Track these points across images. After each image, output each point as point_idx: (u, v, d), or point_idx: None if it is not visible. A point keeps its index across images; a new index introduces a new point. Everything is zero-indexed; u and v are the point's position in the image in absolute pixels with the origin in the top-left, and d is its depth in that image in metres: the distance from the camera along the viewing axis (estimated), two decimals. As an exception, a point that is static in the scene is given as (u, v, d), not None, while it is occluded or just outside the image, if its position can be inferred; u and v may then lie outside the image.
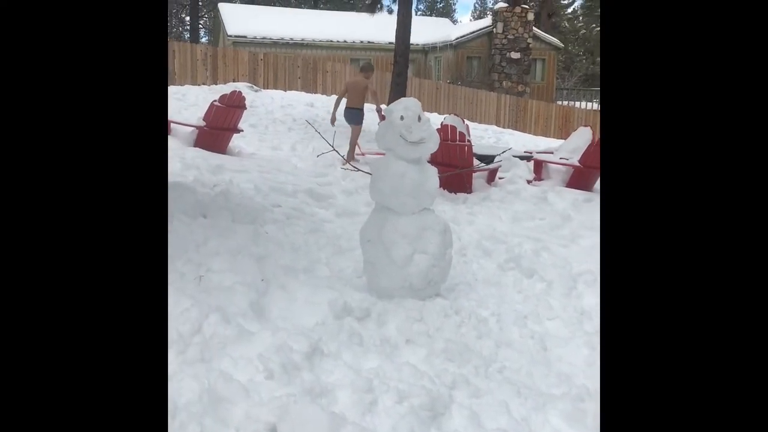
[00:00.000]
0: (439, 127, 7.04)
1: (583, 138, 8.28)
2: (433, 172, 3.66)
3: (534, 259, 4.86)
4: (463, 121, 10.76)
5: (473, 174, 7.03)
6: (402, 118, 3.48)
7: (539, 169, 8.18)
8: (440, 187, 6.88)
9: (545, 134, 19.45)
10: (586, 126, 8.94)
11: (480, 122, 18.91)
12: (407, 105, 3.51)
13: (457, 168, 6.80)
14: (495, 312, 3.77)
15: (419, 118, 3.52)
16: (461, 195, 6.87)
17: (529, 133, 19.25)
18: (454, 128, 6.99)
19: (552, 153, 9.07)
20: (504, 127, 19.14)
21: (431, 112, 17.97)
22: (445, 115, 13.00)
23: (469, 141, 7.05)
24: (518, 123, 19.68)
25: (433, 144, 3.56)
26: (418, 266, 3.55)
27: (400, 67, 11.16)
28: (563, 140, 10.70)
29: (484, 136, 15.73)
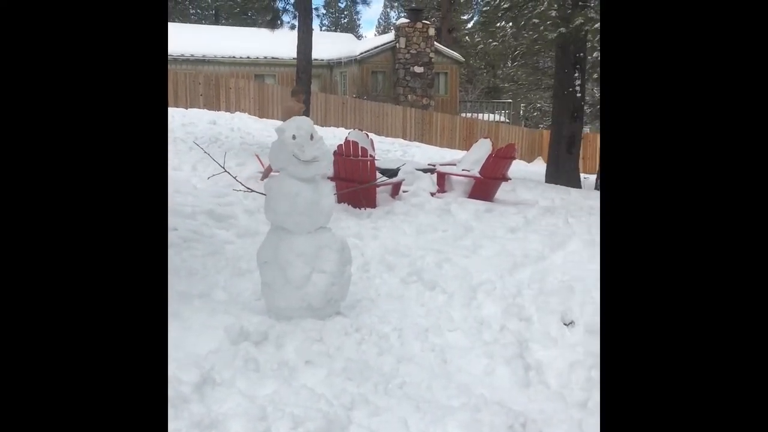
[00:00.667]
0: (342, 143, 7.03)
1: (483, 149, 8.52)
2: (328, 191, 3.64)
3: (436, 271, 4.91)
4: (367, 136, 10.84)
5: (377, 188, 7.05)
6: (294, 137, 3.45)
7: (442, 181, 8.32)
8: (343, 202, 7.01)
9: (450, 146, 19.88)
10: (486, 137, 9.21)
11: (387, 136, 19.09)
12: (299, 124, 3.48)
13: (360, 184, 6.81)
14: (397, 327, 3.78)
15: (312, 137, 3.49)
16: (365, 210, 6.88)
17: (435, 145, 19.61)
18: (356, 143, 7.01)
19: (455, 165, 9.26)
20: (410, 140, 19.41)
21: (338, 126, 17.99)
22: (349, 130, 13.06)
23: (371, 156, 7.08)
24: (424, 136, 20.01)
25: (326, 162, 3.55)
26: (316, 285, 3.52)
27: (302, 83, 11.11)
28: (467, 152, 10.95)
29: (390, 150, 15.88)
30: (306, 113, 10.85)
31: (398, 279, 4.71)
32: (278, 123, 12.46)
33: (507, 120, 26.23)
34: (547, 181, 12.01)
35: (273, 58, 22.53)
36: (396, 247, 5.50)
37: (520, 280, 4.85)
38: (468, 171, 8.27)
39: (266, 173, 8.06)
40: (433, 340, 3.76)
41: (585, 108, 12.70)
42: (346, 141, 7.02)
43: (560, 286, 4.66)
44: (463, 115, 24.76)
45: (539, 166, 16.91)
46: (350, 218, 6.58)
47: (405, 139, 19.21)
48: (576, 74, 11.21)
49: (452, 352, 3.60)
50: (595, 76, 14.88)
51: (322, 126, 18.21)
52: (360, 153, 6.96)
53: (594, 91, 16.46)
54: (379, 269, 4.91)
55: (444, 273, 4.91)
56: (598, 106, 15.82)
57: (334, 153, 7.07)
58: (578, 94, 11.34)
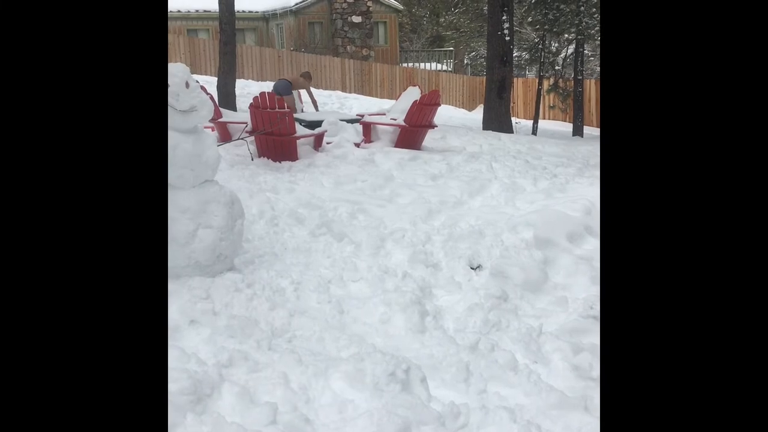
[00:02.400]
0: (257, 95, 6.80)
1: (412, 97, 8.37)
2: (211, 142, 3.49)
3: (347, 223, 4.83)
4: (291, 85, 10.55)
5: (297, 141, 6.88)
6: (168, 85, 3.25)
7: (368, 131, 8.18)
8: (263, 156, 6.82)
9: (391, 97, 19.64)
10: (414, 85, 9.05)
11: (325, 88, 18.74)
12: (173, 71, 3.28)
13: (279, 137, 6.62)
14: (296, 280, 3.70)
15: (187, 85, 3.31)
16: (285, 163, 6.72)
17: (375, 96, 19.37)
18: (272, 95, 6.79)
19: (384, 114, 9.12)
20: (349, 92, 19.11)
21: (273, 81, 17.51)
22: (274, 82, 12.71)
23: (288, 108, 6.88)
24: (363, 87, 19.73)
25: (206, 112, 3.39)
26: (203, 242, 3.40)
27: (227, 36, 10.73)
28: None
29: (327, 102, 15.61)
30: (230, 65, 10.59)
31: (307, 232, 4.63)
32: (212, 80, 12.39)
33: (449, 69, 26.07)
34: (484, 128, 11.97)
35: (206, 11, 21.72)
36: (310, 199, 5.40)
37: (432, 227, 4.81)
38: (395, 120, 8.14)
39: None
40: (334, 291, 3.70)
41: (514, 51, 12.62)
42: (262, 93, 6.79)
43: (470, 231, 4.64)
44: (404, 65, 24.48)
45: (479, 114, 16.89)
46: (268, 172, 6.41)
47: (344, 92, 18.89)
48: (504, 17, 11.07)
49: (350, 302, 3.54)
50: (529, 20, 14.77)
51: (258, 81, 17.74)
52: (278, 105, 6.74)
53: (523, 34, 16.36)
54: (289, 223, 4.80)
55: (355, 224, 4.85)
56: (532, 52, 15.75)
57: (250, 106, 6.84)
58: (507, 38, 11.21)
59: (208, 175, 3.51)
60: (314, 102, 11.01)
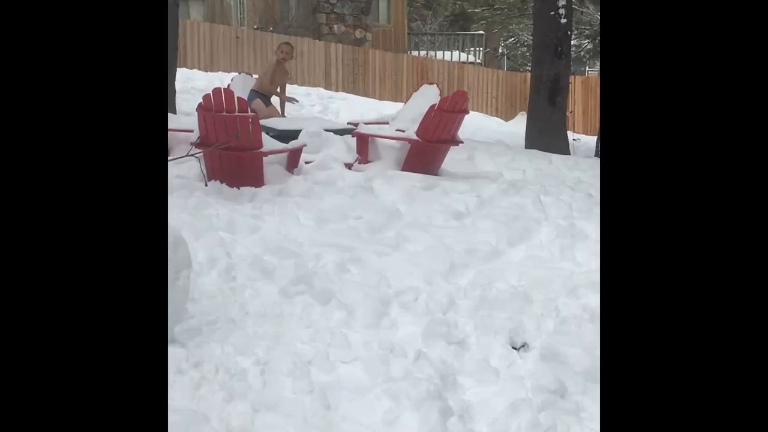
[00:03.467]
0: (208, 93, 6.91)
1: (427, 100, 8.49)
2: None
3: (335, 278, 4.89)
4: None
5: (261, 158, 6.96)
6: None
7: (364, 146, 8.31)
8: (214, 179, 6.88)
9: (395, 97, 19.91)
10: (431, 83, 9.18)
11: (302, 84, 18.96)
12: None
13: (238, 150, 6.69)
14: (262, 360, 3.74)
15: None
16: (246, 190, 6.80)
17: (372, 97, 19.60)
18: (229, 93, 6.90)
19: (387, 123, 9.22)
20: (336, 90, 19.33)
21: (229, 71, 17.72)
22: (233, 75, 12.88)
23: (252, 112, 6.98)
24: (356, 83, 19.98)
25: None
26: None
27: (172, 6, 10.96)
28: (405, 104, 10.93)
29: (304, 105, 15.80)
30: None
31: (277, 289, 4.71)
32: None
33: (478, 60, 26.42)
34: (527, 146, 12.11)
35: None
36: (282, 242, 5.48)
37: (456, 288, 4.86)
38: (403, 131, 8.25)
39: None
40: (317, 377, 3.72)
41: (573, 40, 12.84)
42: (216, 91, 6.90)
43: (511, 294, 4.67)
44: (415, 53, 24.82)
45: (520, 125, 17.03)
46: (222, 203, 6.50)
47: (328, 89, 19.12)
48: (560, -10, 11.28)
49: (340, 393, 3.56)
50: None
51: (206, 71, 17.95)
52: (237, 106, 6.85)
53: (589, 15, 16.62)
54: (252, 276, 4.88)
55: (346, 279, 4.91)
56: (596, 41, 15.99)
57: (199, 108, 6.93)
58: (562, 19, 11.39)
59: (142, 205, 3.53)
60: (283, 102, 11.11)
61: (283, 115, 10.94)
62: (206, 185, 6.78)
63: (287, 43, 11.27)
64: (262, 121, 8.13)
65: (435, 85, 8.92)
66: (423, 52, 26.04)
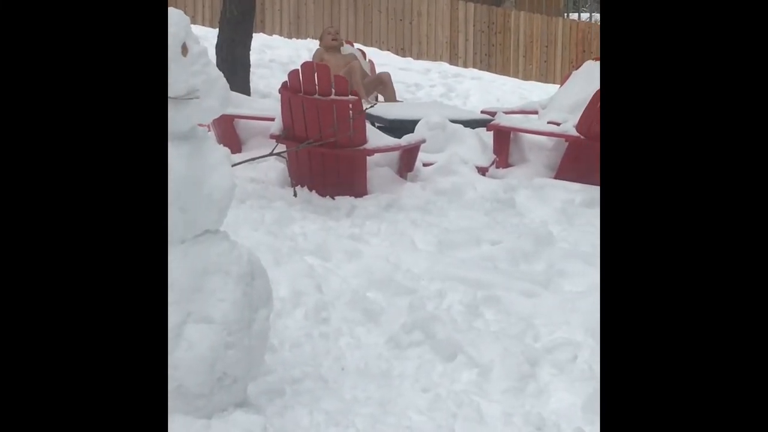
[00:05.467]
0: (295, 69, 7.01)
1: (592, 82, 8.41)
2: (219, 158, 3.64)
3: (463, 324, 4.89)
4: (365, 57, 10.84)
5: (365, 157, 7.01)
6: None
7: (505, 143, 8.30)
8: (301, 184, 6.96)
9: (546, 78, 19.76)
10: (597, 59, 9.09)
11: (417, 57, 19.03)
12: (160, 23, 3.44)
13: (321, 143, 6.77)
14: (363, 434, 3.75)
15: (185, 50, 3.46)
16: (344, 201, 6.85)
17: (514, 75, 19.50)
18: (324, 69, 6.98)
19: (535, 113, 9.18)
20: (464, 65, 19.31)
21: (305, 37, 17.90)
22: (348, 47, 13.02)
23: (356, 94, 7.05)
24: (492, 57, 19.90)
25: (215, 100, 3.53)
26: (193, 349, 3.52)
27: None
28: (560, 87, 10.81)
29: (422, 84, 15.85)
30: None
31: (386, 338, 4.73)
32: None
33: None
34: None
35: None
36: (391, 274, 5.50)
37: (631, 343, 4.78)
38: (558, 125, 8.20)
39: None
40: (437, 461, 3.72)
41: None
42: (306, 66, 6.99)
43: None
44: (575, 17, 24.59)
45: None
46: (311, 217, 6.58)
47: (454, 64, 19.12)
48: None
49: (471, 486, 3.55)
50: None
51: (290, 38, 18.19)
52: (334, 87, 6.92)
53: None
54: (350, 318, 4.92)
55: (479, 327, 4.91)
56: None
57: (282, 88, 7.03)
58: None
59: (210, 220, 3.64)
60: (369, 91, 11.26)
61: (394, 99, 11.05)
62: (295, 195, 6.84)
63: (330, 27, 11.85)
64: (367, 108, 8.19)
65: (603, 61, 8.83)
66: (586, 16, 25.83)
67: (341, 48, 11.55)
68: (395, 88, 11.47)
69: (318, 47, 11.80)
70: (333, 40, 11.41)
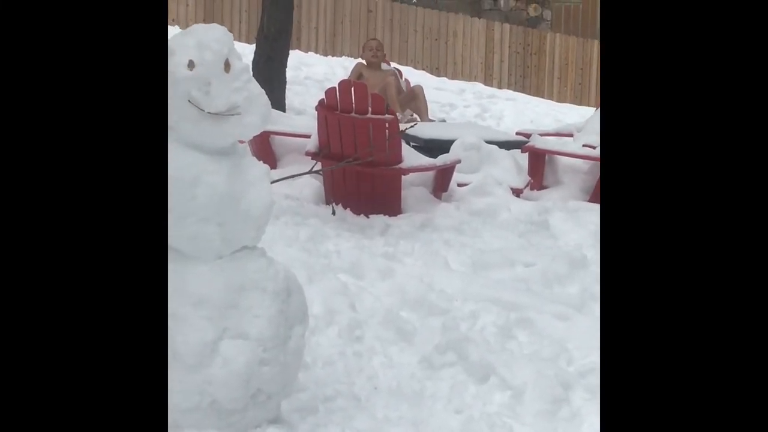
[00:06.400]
0: (332, 87, 7.03)
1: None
2: (259, 174, 3.67)
3: (496, 346, 4.90)
4: (401, 76, 10.86)
5: (400, 176, 7.02)
6: (191, 64, 3.43)
7: (540, 165, 8.31)
8: (335, 202, 6.98)
9: (581, 101, 19.76)
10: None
11: (452, 77, 19.06)
12: (202, 39, 3.47)
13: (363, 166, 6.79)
14: (397, 456, 3.75)
15: (228, 66, 3.48)
16: (378, 219, 6.87)
17: (549, 97, 19.49)
18: (362, 87, 7.00)
19: (571, 135, 9.19)
20: (499, 86, 19.33)
21: (355, 56, 17.98)
22: (359, 61, 13.10)
23: (392, 113, 7.06)
24: (528, 79, 19.92)
25: (256, 117, 3.56)
26: (228, 365, 3.53)
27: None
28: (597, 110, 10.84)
29: (456, 104, 15.87)
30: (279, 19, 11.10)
31: (418, 358, 4.75)
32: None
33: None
34: None
35: None
36: (424, 294, 5.52)
37: (665, 369, 4.77)
38: (593, 148, 8.21)
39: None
40: (469, 483, 3.71)
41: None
42: (343, 84, 7.01)
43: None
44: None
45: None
46: (345, 235, 6.60)
47: (489, 85, 19.14)
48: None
49: None
50: None
51: (326, 55, 18.27)
52: (371, 105, 6.94)
53: None
54: (384, 337, 4.95)
55: (512, 349, 4.93)
56: None
57: (319, 105, 7.05)
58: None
59: (248, 236, 3.65)
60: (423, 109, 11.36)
61: (427, 117, 11.06)
62: (333, 213, 6.86)
63: (374, 39, 11.81)
64: (404, 127, 8.20)
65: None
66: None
67: (381, 64, 11.56)
68: (429, 107, 11.49)
69: (359, 60, 11.86)
70: (374, 56, 11.44)
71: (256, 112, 3.54)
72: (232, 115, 3.49)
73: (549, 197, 7.80)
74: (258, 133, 3.74)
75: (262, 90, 3.61)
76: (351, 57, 17.98)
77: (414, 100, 11.35)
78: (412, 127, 8.60)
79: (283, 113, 10.12)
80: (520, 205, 7.40)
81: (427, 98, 11.57)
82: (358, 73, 11.21)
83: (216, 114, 3.47)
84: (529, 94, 19.30)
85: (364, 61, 11.56)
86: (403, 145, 7.27)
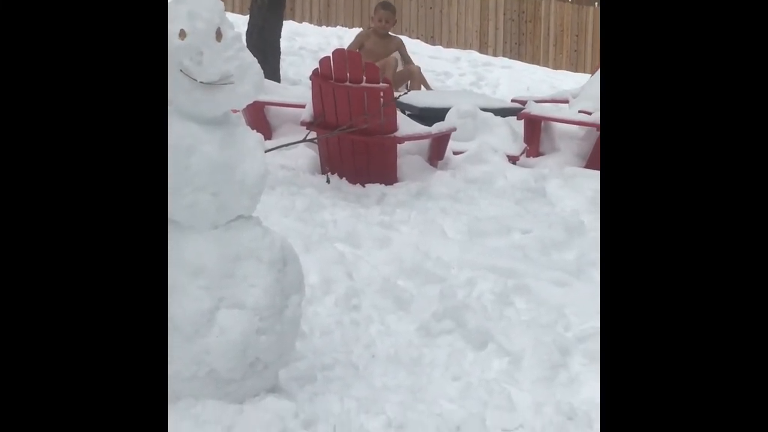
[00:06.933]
0: (329, 55, 7.00)
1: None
2: (253, 143, 3.65)
3: (494, 313, 4.89)
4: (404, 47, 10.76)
5: (396, 145, 7.00)
6: (182, 33, 3.41)
7: (536, 132, 8.29)
8: (330, 171, 6.96)
9: (576, 67, 19.66)
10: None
11: (447, 45, 19.00)
12: (193, 9, 3.44)
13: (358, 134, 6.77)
14: (394, 422, 3.76)
15: (219, 35, 3.46)
16: (374, 188, 6.86)
17: (544, 64, 19.41)
18: (356, 56, 6.98)
19: (566, 102, 9.16)
20: (494, 54, 19.25)
21: (351, 26, 17.93)
22: (357, 30, 13.06)
23: (387, 82, 7.03)
24: (523, 46, 19.82)
25: (249, 87, 3.54)
26: (225, 334, 3.51)
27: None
28: (592, 77, 10.78)
29: (451, 72, 15.82)
30: None
31: (416, 326, 4.74)
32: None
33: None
34: None
35: None
36: (421, 262, 5.51)
37: (663, 333, 4.77)
38: (589, 114, 8.19)
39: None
40: (468, 449, 3.71)
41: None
42: (337, 53, 6.98)
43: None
44: (605, 5, 24.44)
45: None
46: (341, 205, 6.59)
47: (483, 53, 19.07)
48: None
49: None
50: None
51: (318, 25, 18.21)
52: (365, 74, 6.91)
53: None
54: (381, 306, 4.94)
55: (510, 316, 4.92)
56: None
57: (313, 75, 7.03)
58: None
59: (243, 206, 3.63)
60: (414, 77, 11.35)
61: (427, 87, 11.05)
62: (328, 182, 6.84)
63: (386, 3, 11.57)
64: (399, 96, 8.17)
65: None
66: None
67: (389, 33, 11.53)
68: (426, 78, 11.49)
69: (367, 28, 11.83)
70: (382, 20, 11.37)
71: (248, 82, 3.51)
72: (225, 84, 3.47)
73: (545, 164, 7.77)
74: (251, 102, 3.71)
75: (255, 59, 3.59)
76: (345, 27, 17.92)
77: (411, 79, 11.35)
78: (404, 94, 8.59)
79: (278, 84, 10.09)
80: (516, 172, 7.38)
81: (423, 68, 11.60)
82: (360, 42, 11.19)
83: (208, 83, 3.44)
84: (525, 62, 19.23)
85: (370, 29, 11.48)
86: (399, 113, 7.25)
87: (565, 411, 3.98)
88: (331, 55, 7.02)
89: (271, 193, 6.42)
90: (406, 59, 11.50)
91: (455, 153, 7.71)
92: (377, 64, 10.03)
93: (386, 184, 6.96)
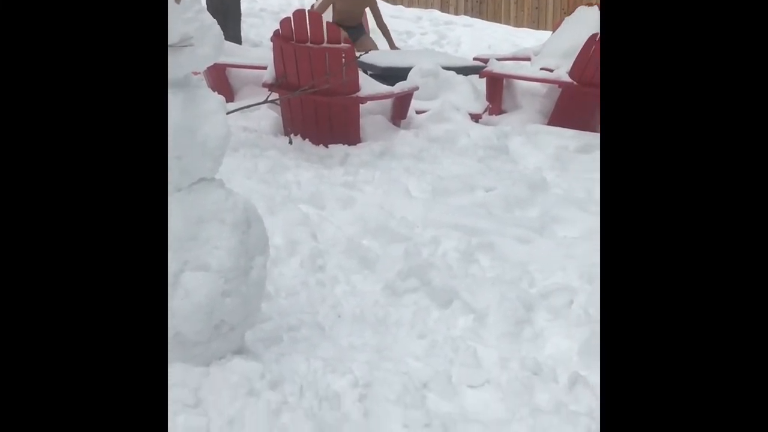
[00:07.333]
0: (286, 17, 6.97)
1: (585, 27, 8.40)
2: (214, 105, 3.63)
3: (458, 271, 4.92)
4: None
5: (358, 105, 7.00)
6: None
7: (497, 91, 8.28)
8: (293, 133, 6.95)
9: (537, 25, 19.66)
10: (590, 4, 9.06)
11: (408, 5, 18.97)
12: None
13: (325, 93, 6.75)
14: (360, 381, 3.76)
15: (178, -5, 3.45)
16: (337, 149, 6.86)
17: (506, 22, 19.41)
18: (317, 16, 6.95)
19: (528, 60, 9.16)
20: (455, 13, 19.24)
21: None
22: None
23: (348, 44, 7.01)
24: (483, 4, 19.79)
25: (209, 48, 3.53)
26: (190, 296, 3.52)
27: None
28: (553, 33, 10.77)
29: (413, 32, 15.82)
30: None
31: (381, 285, 4.77)
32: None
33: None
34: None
35: None
36: (385, 222, 5.54)
37: (626, 288, 4.80)
38: (551, 71, 8.19)
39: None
40: (435, 405, 3.74)
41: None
42: (298, 14, 6.95)
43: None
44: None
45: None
46: (305, 166, 6.60)
47: (445, 11, 19.07)
48: None
49: (466, 428, 3.57)
50: None
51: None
52: (326, 34, 6.89)
53: None
54: (346, 266, 4.96)
55: (474, 273, 4.94)
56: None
57: (274, 36, 7.00)
58: None
59: (205, 168, 3.62)
60: (387, 34, 11.28)
61: (392, 46, 11.04)
62: (290, 143, 6.84)
63: None
64: (360, 56, 8.15)
65: (596, 6, 8.79)
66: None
67: None
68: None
69: None
70: None
71: (208, 43, 3.50)
72: (185, 46, 3.45)
73: (507, 121, 7.80)
74: (211, 64, 3.70)
75: (214, 20, 3.57)
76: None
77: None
78: (365, 53, 8.57)
79: (239, 45, 10.05)
80: (478, 131, 7.41)
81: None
82: (329, 1, 11.05)
83: (168, 46, 3.42)
84: (486, 20, 19.23)
85: None
86: (360, 73, 7.24)
87: (531, 366, 4.00)
88: (291, 15, 6.98)
89: (233, 155, 6.41)
90: (377, 16, 11.42)
91: (418, 112, 7.73)
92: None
93: (349, 145, 6.99)
